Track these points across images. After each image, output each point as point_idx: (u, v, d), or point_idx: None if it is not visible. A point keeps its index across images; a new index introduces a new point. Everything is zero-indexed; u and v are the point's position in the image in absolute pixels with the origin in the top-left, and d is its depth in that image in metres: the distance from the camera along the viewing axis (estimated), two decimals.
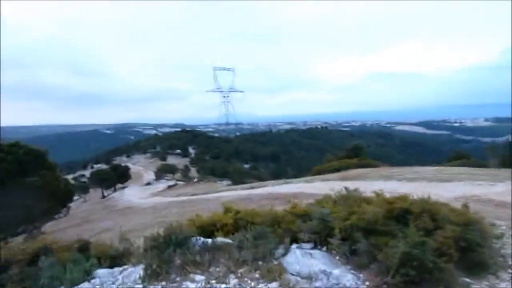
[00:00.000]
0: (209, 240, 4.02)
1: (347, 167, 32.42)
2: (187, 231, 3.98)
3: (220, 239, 4.08)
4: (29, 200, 9.83)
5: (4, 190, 9.36)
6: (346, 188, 5.34)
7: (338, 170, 32.12)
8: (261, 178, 58.20)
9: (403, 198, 3.97)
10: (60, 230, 26.48)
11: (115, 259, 4.76)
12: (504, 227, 6.86)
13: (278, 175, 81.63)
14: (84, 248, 5.23)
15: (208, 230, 4.47)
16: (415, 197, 4.48)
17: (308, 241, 3.80)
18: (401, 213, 3.65)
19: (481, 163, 25.69)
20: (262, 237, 3.85)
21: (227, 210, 4.82)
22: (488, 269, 3.46)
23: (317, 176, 29.25)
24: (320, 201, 5.32)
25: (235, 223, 4.42)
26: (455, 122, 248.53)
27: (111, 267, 4.39)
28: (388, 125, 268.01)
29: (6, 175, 9.24)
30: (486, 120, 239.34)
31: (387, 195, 5.02)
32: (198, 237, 4.06)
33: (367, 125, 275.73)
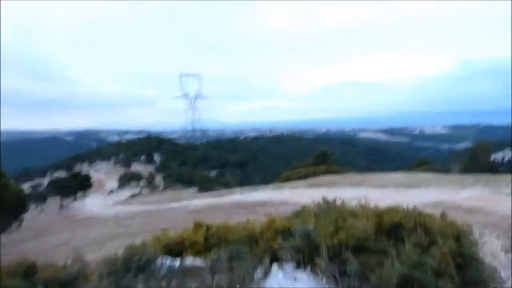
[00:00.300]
0: (177, 263, 3.50)
1: (315, 174, 32.49)
2: (150, 252, 3.45)
3: (189, 261, 3.58)
4: None
5: None
6: (325, 200, 4.96)
7: (306, 177, 32.13)
8: (228, 185, 57.48)
9: (393, 210, 3.63)
10: (13, 242, 24.66)
11: (67, 285, 4.14)
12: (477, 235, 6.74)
13: (245, 181, 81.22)
14: (30, 272, 4.54)
15: (175, 249, 3.94)
16: (387, 204, 4.19)
17: (290, 261, 3.38)
18: (392, 228, 3.30)
19: (444, 169, 26.40)
20: (238, 258, 3.38)
21: (196, 225, 4.30)
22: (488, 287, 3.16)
23: (285, 183, 29.09)
24: (299, 213, 4.92)
25: (206, 240, 3.93)
26: (415, 130, 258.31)
27: None
28: (352, 132, 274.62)
29: None
30: (443, 127, 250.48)
31: (359, 204, 4.71)
32: (164, 259, 3.54)
33: (332, 132, 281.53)
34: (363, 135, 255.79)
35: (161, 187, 54.44)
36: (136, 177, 65.80)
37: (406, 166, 39.40)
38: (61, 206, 46.97)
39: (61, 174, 79.03)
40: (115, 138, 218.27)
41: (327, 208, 4.76)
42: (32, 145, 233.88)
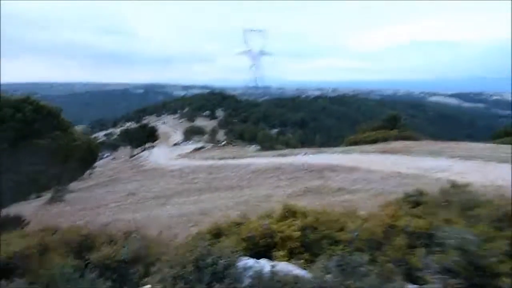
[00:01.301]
0: (266, 267, 2.54)
1: (385, 139, 30.21)
2: (228, 251, 2.51)
3: (282, 267, 2.59)
4: (38, 166, 8.72)
5: (10, 153, 8.27)
6: (452, 184, 3.65)
7: (375, 141, 30.02)
8: (288, 144, 56.57)
9: None
10: (87, 188, 26.17)
11: (120, 273, 3.43)
12: None
13: (306, 142, 79.72)
14: (86, 247, 3.91)
15: (260, 245, 2.99)
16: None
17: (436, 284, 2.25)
18: None
19: None
20: (354, 270, 2.32)
21: (287, 211, 3.27)
22: None
23: (353, 147, 27.33)
24: (416, 201, 3.67)
25: (303, 235, 2.91)
26: (491, 96, 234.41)
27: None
28: (421, 95, 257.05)
29: (13, 135, 8.09)
30: None
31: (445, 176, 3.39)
32: (246, 260, 2.59)
33: (399, 94, 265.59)
34: (433, 99, 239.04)
35: (223, 143, 54.91)
36: (200, 131, 67.09)
37: (480, 135, 35.45)
38: (131, 155, 49.43)
39: (131, 125, 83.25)
40: (181, 93, 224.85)
41: (457, 195, 3.45)
42: (105, 96, 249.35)
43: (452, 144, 24.28)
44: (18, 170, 8.53)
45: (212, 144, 51.92)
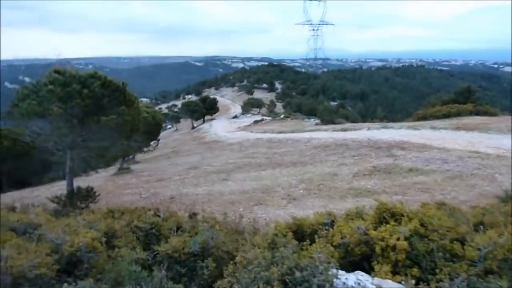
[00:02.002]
0: (370, 286, 2.03)
1: (458, 114, 27.79)
2: (319, 263, 2.03)
3: (391, 286, 2.06)
4: (105, 141, 8.85)
5: (79, 129, 8.43)
6: None
7: (446, 116, 27.73)
8: (348, 118, 54.62)
9: None
10: (152, 159, 27.19)
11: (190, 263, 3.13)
12: None
13: (366, 115, 76.64)
14: (153, 236, 3.67)
15: (353, 254, 2.47)
16: None
17: None
18: None
19: None
20: None
21: (385, 211, 2.69)
22: None
23: (422, 122, 25.44)
24: None
25: (409, 244, 2.34)
26: None
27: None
28: (495, 65, 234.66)
29: (81, 111, 8.19)
30: None
31: None
32: (344, 276, 2.09)
33: (470, 64, 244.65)
34: (508, 69, 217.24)
35: (282, 116, 54.31)
36: (258, 104, 66.89)
37: None
38: (192, 127, 50.69)
39: (191, 97, 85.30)
40: (239, 65, 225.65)
41: None
42: (166, 69, 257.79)
43: None
44: (86, 146, 8.74)
45: (270, 117, 51.59)
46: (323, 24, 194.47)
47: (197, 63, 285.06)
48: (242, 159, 18.42)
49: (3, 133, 17.01)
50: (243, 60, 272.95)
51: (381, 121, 36.10)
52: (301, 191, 10.97)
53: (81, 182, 11.79)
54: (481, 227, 2.48)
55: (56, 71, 8.14)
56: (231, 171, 15.53)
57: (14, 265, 2.39)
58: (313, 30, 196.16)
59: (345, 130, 26.68)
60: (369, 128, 25.33)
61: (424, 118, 29.10)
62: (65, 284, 2.16)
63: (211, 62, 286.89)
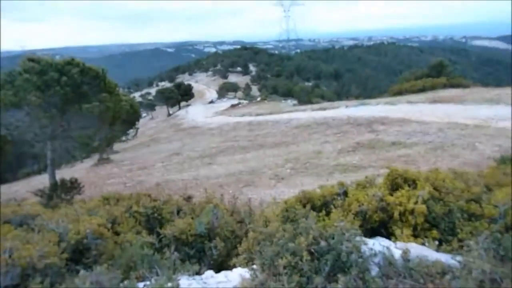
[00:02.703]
0: (394, 250, 2.02)
1: (433, 88, 28.43)
2: (344, 232, 2.00)
3: (415, 249, 2.05)
4: (88, 130, 8.53)
5: (59, 118, 8.09)
6: None
7: (422, 90, 28.34)
8: (324, 97, 55.06)
9: None
10: (131, 148, 26.67)
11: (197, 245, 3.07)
12: None
13: (341, 94, 77.40)
14: (155, 220, 3.57)
15: (372, 221, 2.44)
16: None
17: None
18: None
19: None
20: None
21: (398, 177, 2.67)
22: None
23: (398, 98, 25.90)
24: None
25: (427, 207, 2.33)
26: None
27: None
28: (463, 40, 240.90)
29: (61, 100, 7.84)
30: None
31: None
32: (370, 242, 2.07)
33: (439, 40, 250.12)
34: (476, 43, 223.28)
35: (258, 98, 54.17)
36: (233, 88, 66.44)
37: None
38: (168, 114, 49.92)
39: (165, 85, 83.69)
40: (212, 49, 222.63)
41: None
42: (137, 57, 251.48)
43: (508, 90, 22.39)
44: (68, 135, 8.42)
45: (247, 101, 51.38)
46: (293, 4, 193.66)
47: (168, 49, 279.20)
48: (224, 143, 18.30)
49: None
50: (215, 44, 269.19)
51: (356, 99, 36.55)
52: (288, 170, 11.01)
53: (60, 174, 11.43)
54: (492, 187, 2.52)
55: (30, 59, 7.73)
56: (214, 155, 15.42)
57: (21, 256, 2.26)
58: (284, 11, 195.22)
59: (323, 109, 26.86)
60: (347, 106, 25.58)
61: (400, 93, 29.61)
62: (82, 271, 2.06)
63: (182, 47, 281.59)
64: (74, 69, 7.97)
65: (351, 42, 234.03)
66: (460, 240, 2.16)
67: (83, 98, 8.24)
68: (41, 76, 7.56)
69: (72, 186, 8.74)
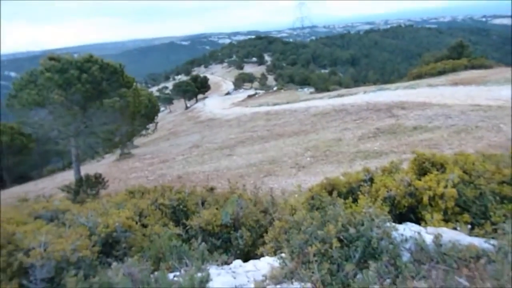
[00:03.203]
0: (425, 235, 1.98)
1: (453, 69, 27.68)
2: (373, 217, 1.97)
3: (447, 234, 2.01)
4: (110, 125, 8.69)
5: (82, 115, 8.25)
6: None
7: (442, 73, 27.63)
8: (341, 84, 54.33)
9: None
10: (151, 142, 27.04)
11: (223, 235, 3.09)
12: None
13: (359, 79, 76.26)
14: (180, 211, 3.61)
15: (401, 206, 2.38)
16: None
17: None
18: None
19: None
20: None
21: (425, 161, 2.60)
22: None
23: (418, 81, 25.32)
24: None
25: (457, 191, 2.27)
26: None
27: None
28: (483, 19, 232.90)
29: (82, 97, 7.99)
30: None
31: None
32: (401, 228, 2.03)
33: (458, 20, 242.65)
34: (496, 21, 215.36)
35: (275, 88, 53.92)
36: (249, 78, 66.28)
37: None
38: (186, 107, 50.26)
39: (181, 78, 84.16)
40: (226, 41, 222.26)
41: None
42: (153, 52, 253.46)
43: None
44: (91, 131, 8.59)
45: (263, 91, 51.19)
46: None
47: (183, 43, 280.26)
48: (243, 134, 18.31)
49: (1, 128, 16.71)
50: (229, 35, 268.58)
51: (374, 84, 35.94)
52: (308, 158, 10.95)
53: (84, 170, 11.70)
54: None
55: (51, 58, 7.89)
56: (234, 146, 15.46)
57: (55, 250, 2.33)
58: None
59: (341, 96, 26.54)
60: (365, 92, 25.20)
61: (419, 76, 28.99)
62: (114, 263, 2.10)
63: (197, 40, 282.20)
64: (93, 66, 8.10)
65: (367, 27, 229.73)
66: (493, 224, 2.10)
67: (104, 94, 8.38)
68: (62, 74, 7.72)
69: (97, 181, 8.95)
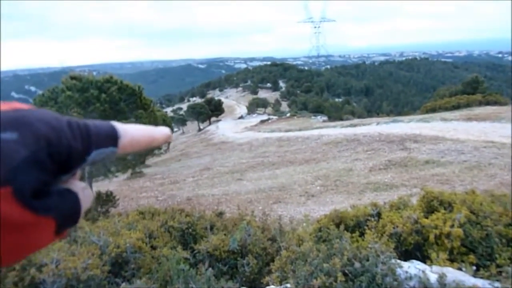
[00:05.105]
0: (430, 274, 2.00)
1: (468, 105, 27.64)
2: (378, 254, 2.00)
3: (451, 273, 2.03)
4: None
5: None
6: None
7: (456, 107, 27.60)
8: (354, 113, 54.42)
9: None
10: (162, 163, 27.28)
11: (230, 261, 3.11)
12: None
13: (372, 110, 76.31)
14: (189, 235, 3.67)
15: (406, 243, 2.41)
16: None
17: None
18: None
19: None
20: None
21: (434, 199, 2.64)
22: None
23: (432, 115, 25.29)
24: None
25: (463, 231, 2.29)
26: None
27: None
28: (499, 55, 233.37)
29: (99, 116, 8.21)
30: None
31: None
32: (405, 265, 2.06)
33: (474, 55, 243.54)
34: None
35: (288, 114, 54.26)
36: (264, 103, 66.87)
37: None
38: (199, 129, 50.79)
39: (195, 100, 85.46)
40: (242, 65, 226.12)
41: None
42: (170, 73, 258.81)
43: None
44: None
45: (277, 116, 51.53)
46: (324, 21, 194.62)
47: (200, 66, 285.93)
48: (254, 159, 18.40)
49: None
50: (245, 60, 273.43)
51: (388, 116, 35.96)
52: (318, 187, 10.93)
53: (95, 187, 11.86)
54: None
55: (73, 77, 8.19)
56: (244, 170, 15.52)
57: (66, 267, 2.40)
58: (315, 27, 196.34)
59: (354, 125, 26.58)
60: (378, 123, 25.22)
61: (433, 110, 28.96)
62: (123, 284, 2.16)
63: (213, 63, 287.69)
64: (112, 86, 8.37)
65: (382, 58, 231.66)
66: (498, 266, 2.11)
67: (121, 114, 8.60)
68: (83, 93, 7.99)
69: (108, 199, 9.06)
